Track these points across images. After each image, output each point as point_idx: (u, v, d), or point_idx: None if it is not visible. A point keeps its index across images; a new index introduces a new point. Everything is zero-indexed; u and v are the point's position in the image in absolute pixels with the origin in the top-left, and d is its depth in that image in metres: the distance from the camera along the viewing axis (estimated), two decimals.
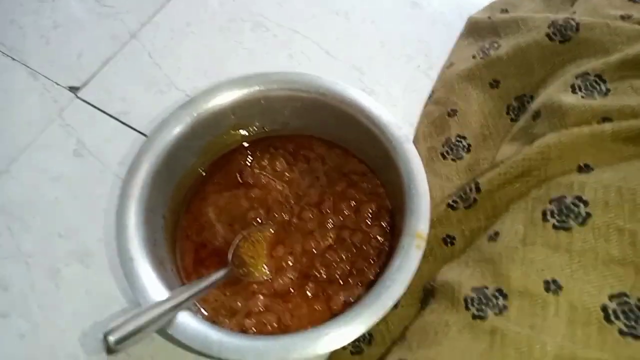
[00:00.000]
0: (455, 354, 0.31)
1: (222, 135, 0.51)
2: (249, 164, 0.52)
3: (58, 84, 0.61)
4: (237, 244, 0.47)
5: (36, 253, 0.51)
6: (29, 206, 0.54)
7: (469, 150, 0.51)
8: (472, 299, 0.33)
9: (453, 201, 0.42)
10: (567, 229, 0.34)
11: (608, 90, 0.42)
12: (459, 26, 0.63)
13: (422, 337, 0.34)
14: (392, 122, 0.45)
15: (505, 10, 0.60)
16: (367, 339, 0.43)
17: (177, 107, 0.45)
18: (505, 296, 0.33)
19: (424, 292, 0.41)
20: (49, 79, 0.61)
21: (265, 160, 0.53)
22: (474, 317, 0.32)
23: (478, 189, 0.40)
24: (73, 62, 0.63)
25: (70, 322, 0.48)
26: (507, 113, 0.52)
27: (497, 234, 0.37)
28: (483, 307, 0.32)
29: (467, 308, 0.33)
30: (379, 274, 0.46)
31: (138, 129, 0.58)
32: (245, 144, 0.53)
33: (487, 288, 0.34)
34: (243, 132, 0.52)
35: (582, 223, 0.33)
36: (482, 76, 0.54)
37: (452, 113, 0.54)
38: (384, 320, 0.43)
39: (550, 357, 0.28)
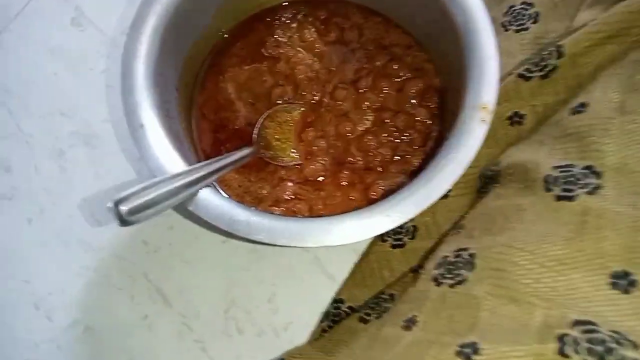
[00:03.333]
0: (532, 240, 0.25)
1: None
2: (273, 34, 0.45)
3: None
4: (262, 123, 0.41)
5: (37, 133, 0.46)
6: (25, 82, 0.48)
7: (536, 21, 0.43)
8: (556, 178, 0.27)
9: (526, 69, 0.34)
10: None
11: None
12: None
13: (487, 223, 0.29)
14: None
15: None
16: (410, 231, 0.38)
17: None
18: (597, 174, 0.26)
19: (483, 179, 0.35)
20: None
21: (293, 30, 0.45)
22: (559, 198, 0.26)
23: (560, 53, 0.33)
24: None
25: (79, 207, 0.43)
26: None
27: (583, 105, 0.30)
28: (571, 186, 0.26)
29: (547, 189, 0.27)
30: (425, 162, 0.40)
31: None
32: (269, 10, 0.45)
33: (573, 167, 0.27)
34: None
35: None
36: None
37: None
38: (431, 211, 0.38)
39: None
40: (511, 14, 0.44)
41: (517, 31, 0.43)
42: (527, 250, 0.25)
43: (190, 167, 0.31)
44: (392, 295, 0.34)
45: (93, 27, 0.49)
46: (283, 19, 0.45)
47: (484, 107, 0.33)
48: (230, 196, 0.40)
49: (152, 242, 0.42)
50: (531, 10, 0.43)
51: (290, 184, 0.41)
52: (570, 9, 0.42)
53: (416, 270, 0.33)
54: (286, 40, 0.44)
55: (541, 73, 0.34)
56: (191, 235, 0.42)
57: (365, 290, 0.37)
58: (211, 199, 0.32)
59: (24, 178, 0.44)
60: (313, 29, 0.45)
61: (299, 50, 0.44)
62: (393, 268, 0.37)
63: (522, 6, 0.44)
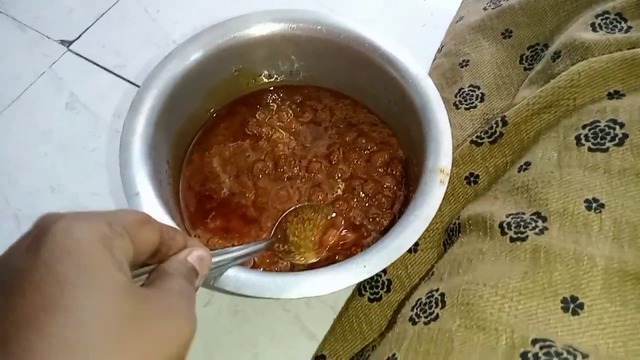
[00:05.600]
0: (493, 276, 0.29)
1: (227, 83, 0.48)
2: (255, 115, 0.50)
3: (48, 37, 0.58)
4: (285, 217, 0.43)
5: (26, 207, 0.48)
6: (18, 161, 0.50)
7: (482, 100, 0.50)
8: (509, 224, 0.31)
9: (477, 137, 0.40)
10: (604, 150, 0.32)
11: (629, 27, 0.41)
12: None
13: (454, 267, 0.32)
14: (409, 60, 0.43)
15: None
16: (385, 285, 0.41)
17: (182, 43, 0.42)
18: (544, 219, 0.31)
19: (447, 233, 0.39)
20: (38, 32, 0.58)
21: (272, 111, 0.50)
22: (512, 239, 0.30)
23: (505, 122, 0.39)
24: (64, 16, 0.60)
25: None
26: (521, 62, 0.51)
27: (528, 163, 0.35)
28: (522, 229, 0.31)
29: (503, 233, 0.31)
30: (394, 222, 0.44)
31: (133, 81, 0.55)
32: (251, 95, 0.51)
33: (523, 214, 0.32)
34: (249, 81, 0.50)
35: (619, 144, 0.32)
36: (493, 26, 0.53)
37: (464, 63, 0.52)
38: (403, 265, 0.41)
39: (600, 271, 0.27)
40: (461, 95, 0.51)
41: (467, 109, 0.50)
42: (490, 285, 0.28)
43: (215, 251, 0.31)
44: (374, 347, 0.36)
45: (86, 110, 0.53)
46: (264, 102, 0.50)
47: (441, 171, 0.37)
48: None
49: None
50: (478, 92, 0.50)
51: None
52: (510, 90, 0.50)
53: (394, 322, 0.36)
54: (266, 121, 0.49)
55: (490, 139, 0.39)
56: None
57: (346, 345, 0.39)
58: None
59: None
60: (290, 111, 0.50)
61: (277, 130, 0.49)
62: (371, 321, 0.39)
63: (470, 88, 0.51)
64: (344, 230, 0.43)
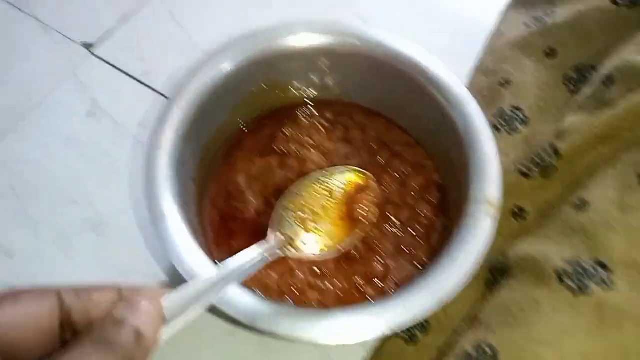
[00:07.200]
0: (554, 332, 0.26)
1: (256, 96, 0.46)
2: (283, 131, 0.47)
3: (71, 40, 0.56)
4: (282, 203, 0.37)
5: (45, 219, 0.46)
6: (38, 168, 0.49)
7: (526, 124, 0.47)
8: (566, 272, 0.29)
9: (525, 167, 0.37)
10: None
11: None
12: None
13: (503, 316, 0.29)
14: (453, 80, 0.40)
15: None
16: (422, 325, 0.38)
17: (211, 52, 0.40)
18: (607, 268, 0.28)
19: (491, 272, 0.36)
20: (61, 33, 0.56)
21: (302, 128, 0.48)
22: (573, 291, 0.28)
23: (558, 155, 0.36)
24: (88, 18, 0.58)
25: None
26: (565, 84, 0.48)
27: (584, 202, 0.33)
28: (584, 280, 0.28)
29: (561, 282, 0.29)
30: (431, 255, 0.41)
31: (158, 90, 0.53)
32: (281, 109, 0.48)
33: (582, 260, 0.29)
34: (278, 94, 0.48)
35: None
36: (536, 44, 0.50)
37: (505, 83, 0.50)
38: None
39: None
40: (502, 117, 0.48)
41: (509, 133, 0.47)
42: (549, 344, 0.26)
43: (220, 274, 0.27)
44: None
45: (108, 118, 0.51)
46: (293, 117, 0.48)
47: (489, 202, 0.35)
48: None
49: None
50: (521, 115, 0.47)
51: (300, 274, 0.41)
52: (554, 114, 0.47)
53: None
54: (295, 137, 0.47)
55: (542, 172, 0.36)
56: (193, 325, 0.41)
57: None
58: None
59: (26, 264, 0.44)
60: (320, 128, 0.48)
61: (306, 147, 0.47)
62: None
63: (512, 110, 0.48)
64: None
